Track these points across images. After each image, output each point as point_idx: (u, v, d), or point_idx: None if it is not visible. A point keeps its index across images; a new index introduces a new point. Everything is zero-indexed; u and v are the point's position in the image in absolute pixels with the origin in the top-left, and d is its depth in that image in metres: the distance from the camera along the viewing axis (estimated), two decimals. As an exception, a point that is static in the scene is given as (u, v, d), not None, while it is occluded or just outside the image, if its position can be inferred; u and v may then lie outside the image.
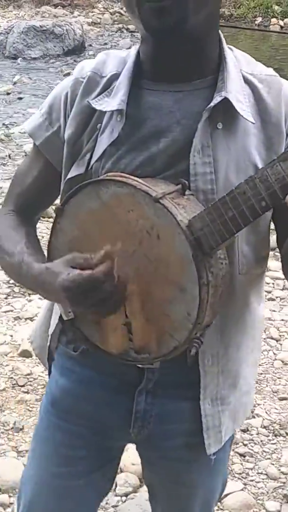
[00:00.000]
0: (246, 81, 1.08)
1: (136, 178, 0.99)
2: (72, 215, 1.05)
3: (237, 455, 2.34)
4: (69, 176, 1.11)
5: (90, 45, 9.75)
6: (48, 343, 1.24)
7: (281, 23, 10.38)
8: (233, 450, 2.35)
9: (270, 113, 1.07)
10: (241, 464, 2.31)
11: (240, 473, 2.27)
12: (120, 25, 10.73)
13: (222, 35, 1.10)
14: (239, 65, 1.09)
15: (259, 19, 10.74)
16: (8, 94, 7.22)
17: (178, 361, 1.06)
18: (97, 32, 10.55)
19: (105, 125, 1.08)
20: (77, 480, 1.23)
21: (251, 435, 2.43)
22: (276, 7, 11.11)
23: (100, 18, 11.22)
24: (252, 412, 2.53)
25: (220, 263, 0.99)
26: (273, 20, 10.48)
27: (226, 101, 1.03)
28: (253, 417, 2.51)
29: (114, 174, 1.03)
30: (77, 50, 9.36)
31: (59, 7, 11.23)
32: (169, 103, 1.06)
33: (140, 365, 1.11)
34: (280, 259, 1.15)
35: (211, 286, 0.97)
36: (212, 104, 1.03)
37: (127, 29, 10.43)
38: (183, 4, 0.99)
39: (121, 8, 11.26)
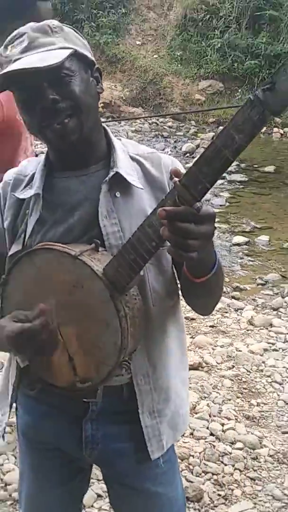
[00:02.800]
0: (134, 160, 1.13)
1: (59, 244, 1.02)
2: (15, 283, 1.06)
3: (248, 479, 2.29)
4: (9, 253, 1.12)
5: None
6: (12, 386, 1.22)
7: (281, 131, 10.60)
8: (244, 474, 2.32)
9: (156, 181, 1.12)
10: (251, 486, 2.26)
11: (250, 494, 2.22)
12: (156, 132, 11.15)
13: (108, 128, 1.15)
14: (127, 149, 1.15)
15: (263, 128, 10.99)
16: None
17: (116, 393, 1.10)
18: (139, 137, 10.97)
19: (31, 209, 1.12)
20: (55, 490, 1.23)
21: (260, 462, 2.39)
22: (277, 119, 11.40)
23: (141, 127, 11.69)
24: (261, 443, 2.49)
25: (134, 298, 1.02)
26: (275, 129, 10.70)
27: (118, 175, 1.08)
28: (261, 447, 2.47)
29: (42, 244, 1.05)
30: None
31: (109, 119, 11.74)
32: (76, 185, 1.11)
33: (85, 400, 1.12)
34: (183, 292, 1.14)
35: (129, 318, 0.99)
36: (107, 178, 1.08)
37: (162, 135, 10.82)
38: (80, 125, 1.05)
39: (157, 119, 11.70)
